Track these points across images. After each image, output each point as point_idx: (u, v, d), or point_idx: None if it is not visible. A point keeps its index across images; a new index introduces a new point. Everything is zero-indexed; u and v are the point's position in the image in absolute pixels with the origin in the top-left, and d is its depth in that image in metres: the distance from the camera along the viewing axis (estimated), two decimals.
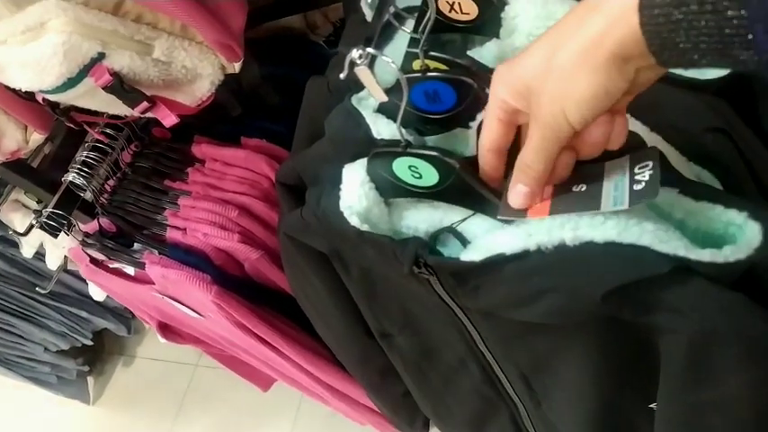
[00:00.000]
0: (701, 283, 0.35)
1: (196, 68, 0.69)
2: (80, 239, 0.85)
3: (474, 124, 0.45)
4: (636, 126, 0.45)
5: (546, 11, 0.46)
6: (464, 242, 0.45)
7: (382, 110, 0.50)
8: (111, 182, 0.91)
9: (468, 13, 0.51)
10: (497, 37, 0.51)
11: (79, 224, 0.89)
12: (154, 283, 0.87)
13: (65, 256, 1.33)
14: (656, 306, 0.36)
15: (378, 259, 0.49)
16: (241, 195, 0.88)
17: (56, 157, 1.06)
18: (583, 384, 0.49)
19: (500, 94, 0.38)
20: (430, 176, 0.44)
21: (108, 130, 0.86)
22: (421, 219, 0.47)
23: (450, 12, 0.52)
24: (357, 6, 0.60)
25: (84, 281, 1.62)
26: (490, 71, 0.40)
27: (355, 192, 0.47)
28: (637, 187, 0.36)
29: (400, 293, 0.56)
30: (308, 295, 0.70)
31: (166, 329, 1.08)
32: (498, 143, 0.40)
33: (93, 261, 0.90)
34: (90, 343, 1.69)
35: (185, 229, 0.86)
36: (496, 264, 0.40)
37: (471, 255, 0.41)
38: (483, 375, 0.61)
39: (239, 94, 0.91)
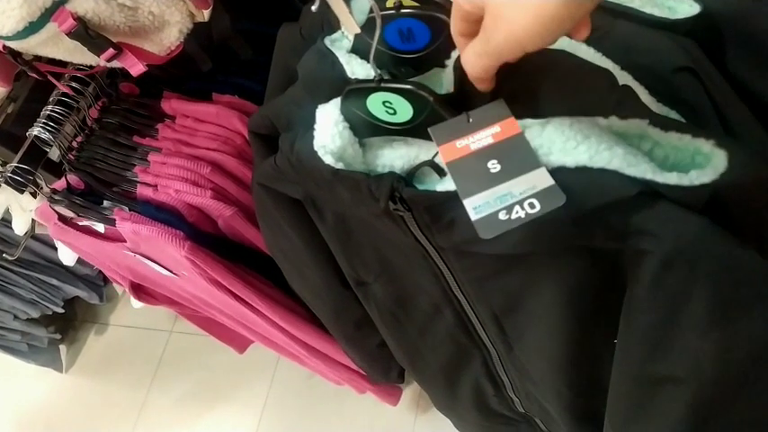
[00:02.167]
0: (668, 205, 0.36)
1: (163, 15, 0.67)
2: (48, 196, 0.83)
3: (450, 62, 0.45)
4: (607, 64, 0.46)
5: None
6: (442, 174, 0.46)
7: (356, 50, 0.49)
8: (78, 138, 0.88)
9: None
10: None
11: (45, 182, 0.87)
12: (125, 241, 0.86)
13: (32, 221, 1.31)
14: (626, 229, 0.37)
15: (353, 200, 0.49)
16: (213, 152, 0.87)
17: (19, 118, 1.03)
18: (553, 320, 0.51)
19: (461, 2, 0.38)
20: (404, 111, 0.44)
21: (74, 84, 0.83)
22: (396, 156, 0.47)
23: None
24: None
25: (53, 248, 1.59)
26: None
27: (329, 131, 0.46)
28: (502, 216, 0.37)
29: (375, 238, 0.56)
30: (282, 248, 0.70)
31: (139, 290, 1.07)
32: (466, 31, 0.39)
33: (62, 219, 0.88)
34: (61, 311, 1.67)
35: (156, 186, 0.85)
36: None
37: (446, 185, 0.41)
38: (456, 320, 0.62)
39: (210, 48, 0.89)
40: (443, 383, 0.75)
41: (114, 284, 1.74)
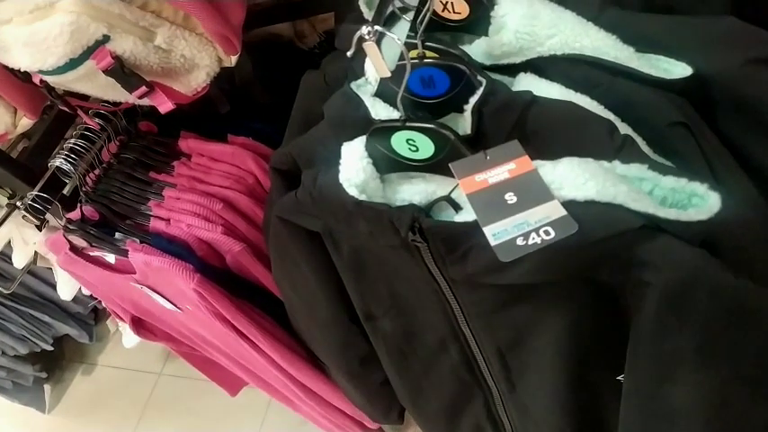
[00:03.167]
0: (669, 239, 0.39)
1: (194, 58, 0.71)
2: (63, 224, 0.85)
3: (468, 107, 0.49)
4: (609, 116, 0.50)
5: (532, 10, 0.51)
6: (458, 209, 0.49)
7: (379, 94, 0.54)
8: (95, 171, 0.91)
9: (459, 13, 0.56)
10: (486, 35, 0.56)
11: (61, 212, 0.90)
12: (133, 273, 0.88)
13: (34, 254, 1.32)
14: (630, 261, 0.40)
15: (371, 231, 0.52)
16: (226, 189, 0.90)
17: (33, 154, 1.06)
18: (557, 355, 0.53)
19: None
20: (426, 149, 0.48)
21: (97, 120, 0.87)
22: (415, 191, 0.51)
23: (443, 11, 0.57)
24: (354, 7, 0.64)
25: (48, 283, 1.59)
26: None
27: (354, 166, 0.50)
28: (520, 242, 0.40)
29: (388, 272, 0.59)
30: (293, 283, 0.72)
31: (139, 325, 1.07)
32: None
33: (73, 249, 0.90)
34: (50, 348, 1.66)
35: (169, 220, 0.87)
36: None
37: (465, 216, 0.45)
38: (461, 357, 0.64)
39: (229, 92, 0.94)
40: (444, 425, 0.76)
41: (107, 323, 1.73)
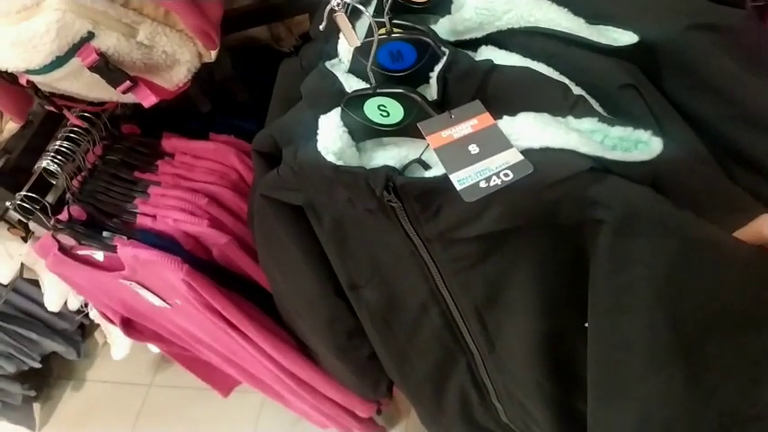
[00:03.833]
0: (617, 179, 0.43)
1: (175, 54, 0.75)
2: (51, 225, 0.87)
3: (433, 74, 0.53)
4: (565, 80, 0.55)
5: None
6: (428, 169, 0.53)
7: (352, 70, 0.57)
8: (81, 174, 0.94)
9: None
10: (449, 14, 0.60)
11: (49, 213, 0.92)
12: (122, 269, 0.90)
13: (21, 265, 1.33)
14: (584, 201, 0.44)
15: (350, 198, 0.55)
16: (210, 185, 0.93)
17: (15, 167, 1.09)
18: (528, 306, 0.57)
19: None
20: (397, 113, 0.52)
21: (83, 122, 0.90)
22: (389, 156, 0.55)
23: None
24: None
25: (34, 301, 1.60)
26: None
27: (331, 134, 0.54)
28: (483, 184, 0.44)
29: (369, 240, 0.62)
30: (279, 261, 0.75)
31: (129, 326, 1.09)
32: None
33: (62, 249, 0.92)
34: (38, 366, 1.65)
35: (155, 216, 0.90)
36: None
37: (434, 173, 0.49)
38: (442, 321, 0.67)
39: (209, 91, 0.98)
40: (430, 393, 0.79)
41: (95, 335, 1.74)
